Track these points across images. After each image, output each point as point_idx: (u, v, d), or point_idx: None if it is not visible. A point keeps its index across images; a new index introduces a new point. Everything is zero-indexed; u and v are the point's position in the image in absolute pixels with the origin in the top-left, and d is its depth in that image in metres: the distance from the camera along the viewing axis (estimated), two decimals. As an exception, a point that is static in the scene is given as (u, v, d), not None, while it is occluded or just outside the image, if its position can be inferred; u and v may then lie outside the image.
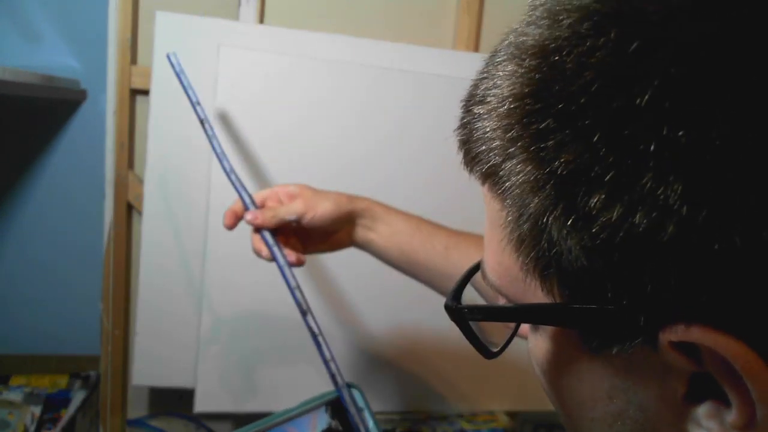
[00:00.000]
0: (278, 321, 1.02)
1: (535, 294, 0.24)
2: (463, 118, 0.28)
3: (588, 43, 0.21)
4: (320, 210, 0.64)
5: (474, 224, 1.07)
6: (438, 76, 1.03)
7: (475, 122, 0.26)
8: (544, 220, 0.22)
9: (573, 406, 0.27)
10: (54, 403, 1.12)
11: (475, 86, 0.28)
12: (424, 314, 1.07)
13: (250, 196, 0.69)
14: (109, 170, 1.03)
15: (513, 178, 0.23)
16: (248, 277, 0.99)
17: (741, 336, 0.19)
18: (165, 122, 0.97)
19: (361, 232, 0.68)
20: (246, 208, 0.67)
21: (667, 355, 0.21)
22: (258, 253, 0.67)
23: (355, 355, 1.05)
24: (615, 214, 0.19)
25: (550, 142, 0.21)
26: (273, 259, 0.66)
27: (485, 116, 0.25)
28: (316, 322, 0.64)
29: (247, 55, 0.97)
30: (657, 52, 0.19)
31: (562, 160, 0.21)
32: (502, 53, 0.27)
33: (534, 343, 0.28)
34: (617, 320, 0.21)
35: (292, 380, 1.03)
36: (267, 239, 0.65)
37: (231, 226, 0.68)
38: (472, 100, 0.28)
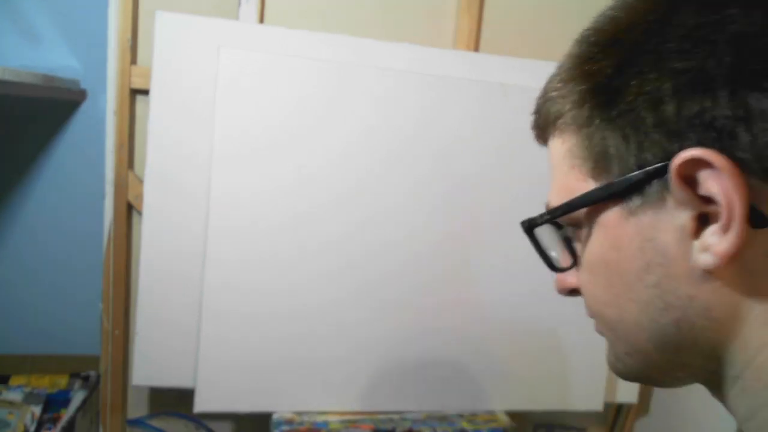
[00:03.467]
0: (278, 321, 1.02)
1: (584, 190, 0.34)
2: (538, 104, 0.38)
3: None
4: None
5: (479, 219, 1.07)
6: (438, 76, 1.03)
7: (548, 95, 0.37)
8: (590, 123, 0.33)
9: (618, 284, 0.34)
10: (54, 403, 1.12)
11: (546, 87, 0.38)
12: (426, 316, 1.07)
13: None
14: (109, 170, 1.03)
15: (568, 106, 0.34)
16: (248, 277, 0.99)
17: (723, 150, 0.28)
18: (165, 122, 0.97)
19: None
20: None
21: (677, 191, 0.29)
22: None
23: (357, 355, 1.05)
24: (632, 93, 0.31)
25: (595, 66, 0.33)
26: None
27: (556, 88, 0.36)
28: None
29: (247, 55, 0.97)
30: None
31: (601, 71, 0.32)
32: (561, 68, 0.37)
33: (585, 252, 0.36)
34: (628, 180, 0.31)
35: (291, 380, 1.03)
36: None
37: None
38: (544, 92, 0.38)
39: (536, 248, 0.39)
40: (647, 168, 0.30)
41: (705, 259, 0.29)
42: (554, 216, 0.36)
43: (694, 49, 0.29)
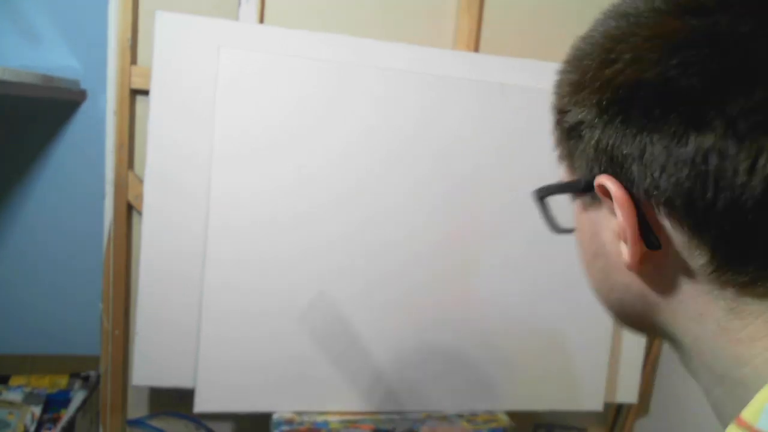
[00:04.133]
0: (278, 321, 1.02)
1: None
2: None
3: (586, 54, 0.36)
4: None
5: (479, 219, 1.07)
6: (438, 76, 1.03)
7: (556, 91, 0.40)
8: (554, 130, 0.38)
9: (582, 255, 0.40)
10: (54, 403, 1.12)
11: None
12: (426, 317, 1.07)
13: None
14: (109, 170, 1.03)
15: (555, 105, 0.39)
16: (248, 277, 0.99)
17: (621, 181, 0.33)
18: (165, 122, 0.97)
19: None
20: None
21: (603, 201, 0.35)
22: None
23: (357, 355, 1.05)
24: (570, 120, 0.35)
25: (557, 89, 0.37)
26: None
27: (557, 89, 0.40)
28: None
29: (247, 55, 0.97)
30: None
31: (560, 91, 0.37)
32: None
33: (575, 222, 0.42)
34: (579, 183, 0.36)
35: (291, 380, 1.03)
36: None
37: None
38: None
39: (542, 214, 0.43)
40: (587, 179, 0.35)
41: (624, 261, 0.34)
42: (542, 195, 0.41)
43: (617, 89, 0.32)
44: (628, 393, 1.22)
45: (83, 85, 1.14)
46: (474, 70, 1.06)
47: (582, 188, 0.35)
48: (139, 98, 1.04)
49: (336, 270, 1.03)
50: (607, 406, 1.22)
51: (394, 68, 1.02)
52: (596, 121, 0.33)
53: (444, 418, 1.09)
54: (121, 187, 1.03)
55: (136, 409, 1.14)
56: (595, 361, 1.16)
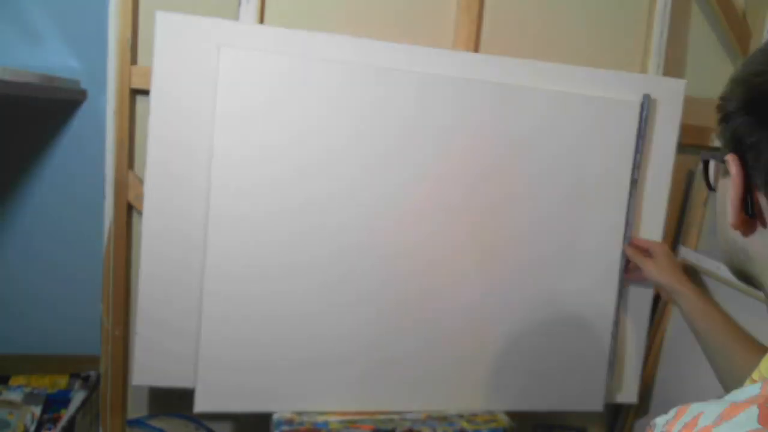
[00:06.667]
0: (278, 321, 1.02)
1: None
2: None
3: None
4: (648, 274, 1.06)
5: (479, 220, 1.07)
6: (438, 76, 1.03)
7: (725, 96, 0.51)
8: (718, 109, 0.49)
9: (719, 215, 0.51)
10: (54, 403, 1.12)
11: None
12: (427, 317, 1.07)
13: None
14: (109, 170, 1.03)
15: (725, 90, 0.49)
16: (248, 278, 0.99)
17: (738, 155, 0.45)
18: (165, 122, 0.97)
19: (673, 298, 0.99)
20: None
21: (729, 168, 0.46)
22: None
23: (357, 355, 1.05)
24: (725, 108, 0.47)
25: (733, 76, 0.48)
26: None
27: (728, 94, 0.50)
28: None
29: (247, 55, 0.97)
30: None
31: (730, 80, 0.48)
32: None
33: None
34: (719, 155, 0.48)
35: (291, 380, 1.03)
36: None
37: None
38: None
39: (703, 172, 0.55)
40: (724, 153, 0.47)
41: (729, 220, 0.46)
42: (705, 158, 0.53)
43: (759, 96, 0.43)
44: (628, 393, 1.22)
45: (83, 85, 1.14)
46: (473, 70, 1.06)
47: (720, 159, 0.47)
48: (139, 98, 1.04)
49: (336, 272, 1.03)
50: (607, 406, 1.22)
51: (394, 68, 1.02)
52: (738, 113, 0.44)
53: (444, 418, 1.09)
54: (121, 187, 1.03)
55: (136, 409, 1.14)
56: (595, 361, 1.16)
